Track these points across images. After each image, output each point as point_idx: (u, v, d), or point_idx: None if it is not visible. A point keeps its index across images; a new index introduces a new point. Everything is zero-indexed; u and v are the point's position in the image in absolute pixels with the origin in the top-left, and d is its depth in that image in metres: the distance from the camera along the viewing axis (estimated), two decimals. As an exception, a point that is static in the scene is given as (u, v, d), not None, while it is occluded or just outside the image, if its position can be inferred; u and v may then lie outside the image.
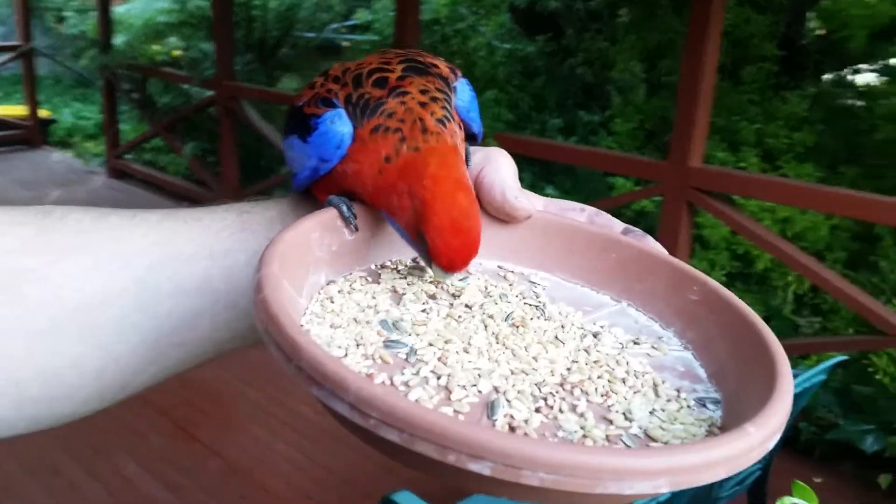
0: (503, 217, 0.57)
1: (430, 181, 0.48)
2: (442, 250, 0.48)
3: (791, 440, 2.82)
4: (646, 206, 4.85)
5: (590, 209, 0.59)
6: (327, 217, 0.52)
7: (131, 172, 7.19)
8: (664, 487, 0.33)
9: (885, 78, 5.50)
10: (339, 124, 0.52)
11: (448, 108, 0.52)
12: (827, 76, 5.70)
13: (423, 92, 0.51)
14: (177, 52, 7.51)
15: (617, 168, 4.31)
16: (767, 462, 2.14)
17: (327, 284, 0.51)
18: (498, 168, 0.56)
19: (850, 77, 5.75)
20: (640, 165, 3.84)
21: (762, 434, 0.37)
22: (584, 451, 0.35)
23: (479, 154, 0.57)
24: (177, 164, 7.00)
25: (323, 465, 2.97)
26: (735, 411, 0.43)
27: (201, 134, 6.67)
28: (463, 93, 0.57)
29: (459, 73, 0.58)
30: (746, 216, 3.58)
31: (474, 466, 0.32)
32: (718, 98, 4.26)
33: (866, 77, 5.73)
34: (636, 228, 0.58)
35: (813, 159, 4.59)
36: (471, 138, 0.58)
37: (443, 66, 0.56)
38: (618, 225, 0.58)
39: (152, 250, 0.54)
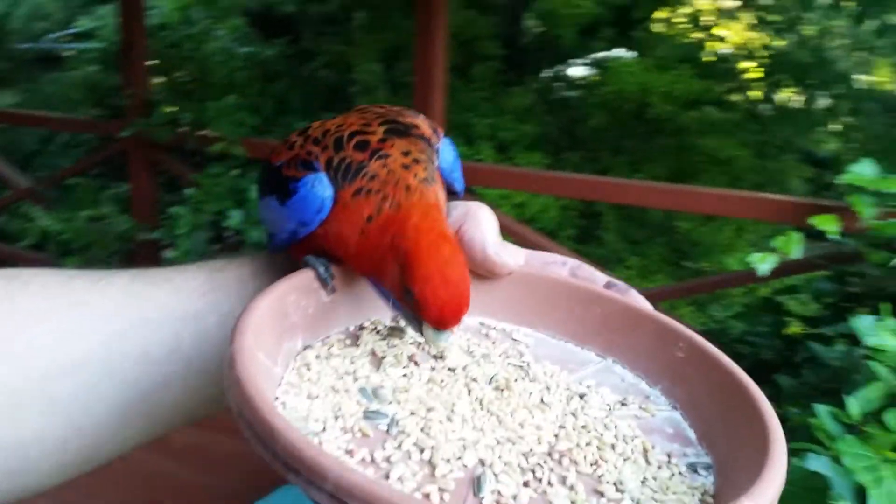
0: (484, 273, 0.56)
1: (413, 232, 0.47)
2: (431, 301, 0.46)
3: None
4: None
5: (571, 262, 0.59)
6: (303, 279, 0.50)
7: None
8: None
9: (594, 70, 6.13)
10: (320, 188, 0.51)
11: (430, 169, 0.52)
12: (546, 71, 6.25)
13: (405, 154, 0.51)
14: None
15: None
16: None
17: (304, 350, 0.49)
18: (478, 223, 0.55)
19: (565, 71, 6.35)
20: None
21: None
22: None
23: (459, 209, 0.56)
24: None
25: (101, 496, 2.76)
26: (728, 477, 0.42)
27: None
28: (446, 153, 0.56)
29: (441, 133, 0.57)
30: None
31: None
32: (453, 96, 4.51)
33: (579, 70, 6.36)
34: (619, 282, 0.57)
35: (540, 148, 5.02)
36: (452, 196, 0.57)
37: (424, 127, 0.55)
38: (600, 278, 0.57)
39: (119, 316, 0.52)
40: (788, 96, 5.85)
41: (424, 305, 0.46)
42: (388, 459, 0.40)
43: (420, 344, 0.52)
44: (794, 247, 2.90)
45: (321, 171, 0.51)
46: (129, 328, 0.52)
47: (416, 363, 0.49)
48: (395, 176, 0.49)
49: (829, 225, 2.81)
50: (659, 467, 0.43)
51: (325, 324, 0.52)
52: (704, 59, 5.64)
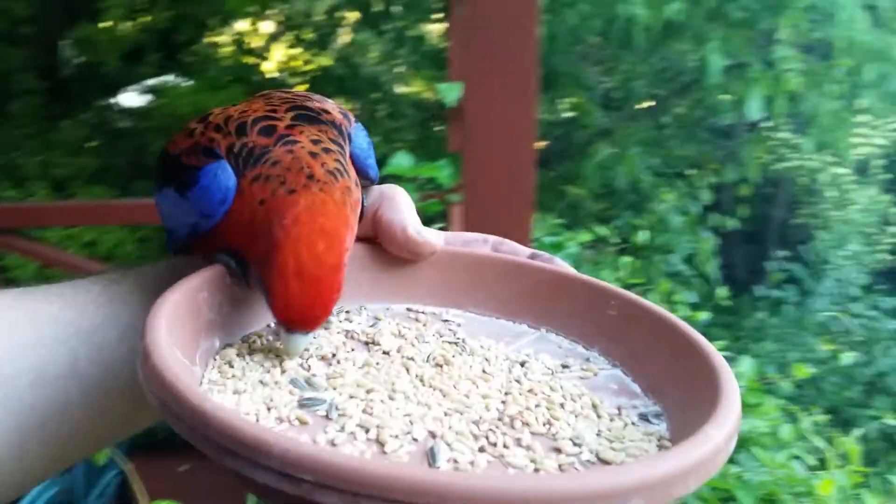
0: (407, 255, 0.54)
1: (291, 220, 0.42)
2: (278, 295, 0.42)
3: (150, 437, 2.96)
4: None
5: (493, 238, 0.58)
6: (214, 273, 0.46)
7: None
8: None
9: (148, 97, 6.01)
10: (222, 177, 0.46)
11: (342, 160, 0.47)
12: (98, 101, 5.95)
13: (314, 142, 0.47)
14: None
15: None
16: (121, 469, 2.23)
17: (223, 348, 0.45)
18: (396, 205, 0.53)
19: (118, 100, 6.11)
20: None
21: (723, 435, 0.36)
22: (551, 480, 0.32)
23: (374, 192, 0.54)
24: None
25: None
26: (682, 421, 0.42)
27: None
28: (359, 139, 0.52)
29: (353, 118, 0.53)
30: (51, 247, 3.57)
31: None
32: (-10, 135, 4.10)
33: (132, 98, 6.18)
34: (543, 252, 0.57)
35: (103, 182, 4.79)
36: (366, 183, 0.54)
37: (335, 112, 0.51)
38: (523, 250, 0.56)
39: (9, 336, 0.47)
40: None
41: (271, 298, 0.43)
42: (332, 442, 0.38)
43: (349, 332, 0.50)
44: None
45: (223, 158, 0.47)
46: (21, 348, 0.47)
47: (348, 350, 0.47)
48: (300, 164, 0.45)
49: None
50: (611, 419, 0.43)
51: (242, 321, 0.48)
52: (254, 78, 5.89)
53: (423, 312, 0.54)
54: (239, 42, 6.23)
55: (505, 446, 0.39)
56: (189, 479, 2.32)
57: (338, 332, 0.49)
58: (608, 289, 0.52)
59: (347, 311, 0.53)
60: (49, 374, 0.48)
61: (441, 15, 5.51)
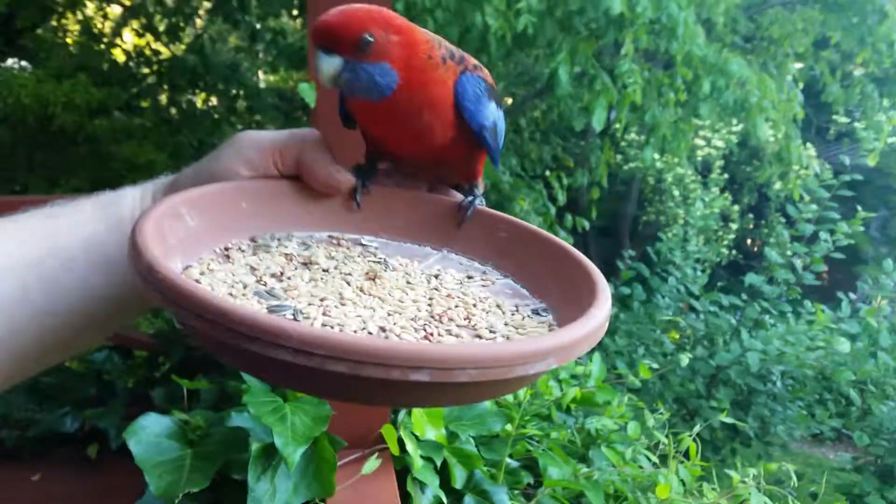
0: (329, 190, 0.64)
1: None
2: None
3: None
4: None
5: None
6: (170, 205, 0.53)
7: None
8: (554, 364, 0.43)
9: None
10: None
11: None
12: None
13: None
14: None
15: None
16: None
17: (185, 269, 0.52)
18: (317, 147, 0.62)
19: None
20: None
21: (602, 314, 0.48)
22: (499, 346, 0.43)
23: (296, 136, 0.62)
24: None
25: None
26: (567, 311, 0.54)
27: None
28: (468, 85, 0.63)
29: (471, 67, 0.65)
30: None
31: (415, 376, 0.38)
32: None
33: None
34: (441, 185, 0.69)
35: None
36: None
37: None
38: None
39: None
40: (194, 99, 6.16)
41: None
42: None
43: (287, 255, 0.58)
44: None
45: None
46: None
47: (293, 269, 0.56)
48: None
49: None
50: (513, 314, 0.56)
51: (195, 247, 0.55)
52: (103, 66, 5.57)
53: (343, 239, 0.65)
54: (87, 27, 5.87)
55: (440, 335, 0.50)
56: (42, 488, 2.27)
57: (279, 255, 0.58)
58: (498, 215, 0.65)
59: (279, 238, 0.61)
60: (1, 300, 0.53)
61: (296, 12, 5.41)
